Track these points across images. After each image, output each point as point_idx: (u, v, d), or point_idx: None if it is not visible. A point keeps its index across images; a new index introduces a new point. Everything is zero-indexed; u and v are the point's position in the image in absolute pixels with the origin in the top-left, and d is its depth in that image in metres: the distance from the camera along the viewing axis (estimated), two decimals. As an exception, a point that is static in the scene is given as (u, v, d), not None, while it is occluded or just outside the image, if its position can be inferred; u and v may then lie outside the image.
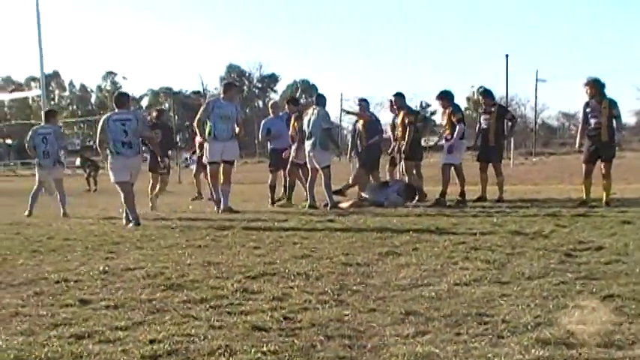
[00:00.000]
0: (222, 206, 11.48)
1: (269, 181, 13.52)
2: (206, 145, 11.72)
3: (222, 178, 11.53)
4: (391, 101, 13.26)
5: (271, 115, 13.98)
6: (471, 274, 5.46)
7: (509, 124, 12.98)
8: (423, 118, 13.47)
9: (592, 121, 10.64)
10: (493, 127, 12.32)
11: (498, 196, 12.33)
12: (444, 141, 12.41)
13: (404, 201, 12.03)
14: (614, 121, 10.67)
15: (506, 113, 13.04)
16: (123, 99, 10.86)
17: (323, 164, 12.04)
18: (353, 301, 4.71)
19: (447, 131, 12.23)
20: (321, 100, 12.59)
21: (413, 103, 75.23)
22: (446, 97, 12.51)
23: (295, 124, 12.71)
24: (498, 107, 12.82)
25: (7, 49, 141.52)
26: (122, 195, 10.18)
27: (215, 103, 11.73)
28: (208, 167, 11.81)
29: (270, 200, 13.28)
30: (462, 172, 12.34)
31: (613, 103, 10.63)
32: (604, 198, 10.75)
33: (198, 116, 11.64)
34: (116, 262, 6.62)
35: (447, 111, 12.28)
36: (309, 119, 12.08)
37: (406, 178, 12.70)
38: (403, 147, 12.57)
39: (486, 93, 12.89)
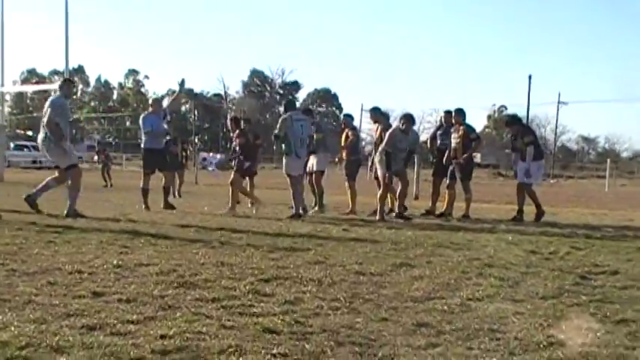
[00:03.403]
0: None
1: (142, 185, 12.71)
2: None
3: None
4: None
5: (150, 111, 13.00)
6: (484, 290, 5.44)
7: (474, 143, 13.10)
8: (476, 136, 13.34)
9: None
10: (460, 146, 12.58)
11: (464, 213, 12.71)
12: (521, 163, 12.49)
13: None
14: None
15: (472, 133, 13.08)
16: None
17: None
18: (365, 310, 4.70)
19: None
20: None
21: (433, 118, 75.51)
22: (517, 123, 13.02)
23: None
24: (466, 127, 12.86)
25: (32, 41, 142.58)
26: None
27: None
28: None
29: (144, 205, 12.52)
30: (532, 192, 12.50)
31: None
32: None
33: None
34: (130, 257, 6.64)
35: (519, 136, 12.50)
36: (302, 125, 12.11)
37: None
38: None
39: (459, 112, 13.03)
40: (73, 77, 64.77)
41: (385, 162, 11.98)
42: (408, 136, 12.20)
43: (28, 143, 53.97)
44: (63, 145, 10.58)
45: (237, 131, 13.24)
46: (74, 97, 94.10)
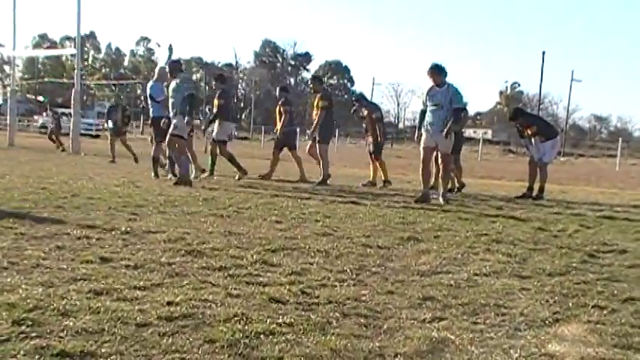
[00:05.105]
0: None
1: (153, 153, 12.88)
2: None
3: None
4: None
5: (157, 79, 12.88)
6: (491, 266, 5.43)
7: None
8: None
9: None
10: None
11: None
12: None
13: None
14: None
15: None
16: None
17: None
18: (371, 282, 4.70)
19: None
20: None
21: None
22: (519, 116, 12.87)
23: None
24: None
25: (44, 7, 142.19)
26: None
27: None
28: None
29: (153, 173, 12.68)
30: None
31: None
32: None
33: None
34: (138, 224, 6.65)
35: (524, 128, 12.46)
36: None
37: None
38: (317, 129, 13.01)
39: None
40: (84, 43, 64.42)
41: (418, 121, 10.83)
42: (441, 89, 10.22)
43: (66, 110, 52.55)
44: None
45: None
46: (85, 63, 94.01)
